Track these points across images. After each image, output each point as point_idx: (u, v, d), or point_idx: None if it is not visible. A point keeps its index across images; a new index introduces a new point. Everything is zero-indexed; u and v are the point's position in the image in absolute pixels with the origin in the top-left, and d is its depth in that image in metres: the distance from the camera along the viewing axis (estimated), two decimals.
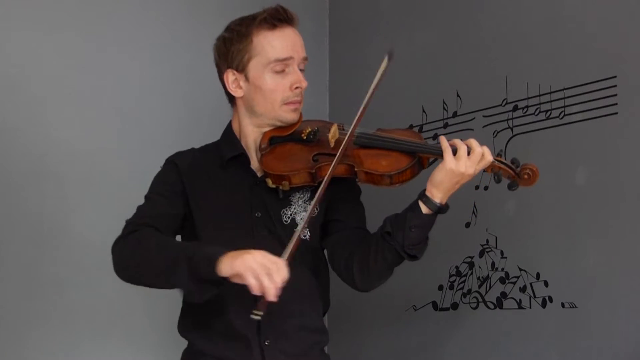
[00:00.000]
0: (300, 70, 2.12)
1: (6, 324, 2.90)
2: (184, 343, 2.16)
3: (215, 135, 2.24)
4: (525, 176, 2.01)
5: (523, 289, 2.98)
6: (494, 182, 2.04)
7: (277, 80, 2.08)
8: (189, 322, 2.12)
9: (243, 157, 2.14)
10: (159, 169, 2.19)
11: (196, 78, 3.33)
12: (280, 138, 2.13)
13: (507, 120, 3.09)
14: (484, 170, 2.01)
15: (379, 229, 2.04)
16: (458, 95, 3.29)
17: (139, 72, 3.28)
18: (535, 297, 2.94)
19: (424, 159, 2.05)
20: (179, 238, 2.17)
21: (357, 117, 2.02)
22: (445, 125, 3.32)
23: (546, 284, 2.92)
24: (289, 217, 2.10)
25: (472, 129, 3.21)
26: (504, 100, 3.11)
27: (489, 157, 1.98)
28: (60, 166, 3.06)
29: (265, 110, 2.11)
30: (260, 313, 1.82)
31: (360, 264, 2.05)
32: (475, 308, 3.14)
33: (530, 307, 2.95)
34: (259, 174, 2.13)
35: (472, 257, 3.16)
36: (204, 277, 1.87)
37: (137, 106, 3.26)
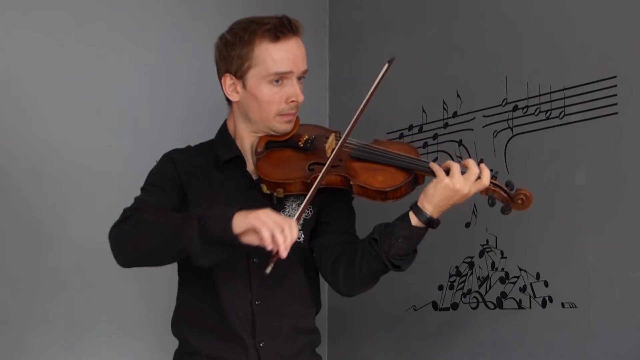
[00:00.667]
0: (300, 79, 2.11)
1: (6, 324, 2.90)
2: None
3: (214, 135, 2.24)
4: (519, 201, 2.00)
5: (523, 289, 2.98)
6: (488, 205, 2.04)
7: (274, 91, 2.07)
8: (183, 322, 2.12)
9: (239, 160, 2.13)
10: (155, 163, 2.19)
11: (195, 78, 3.33)
12: (276, 143, 2.12)
13: (507, 120, 3.09)
14: (480, 193, 2.01)
15: (368, 235, 2.04)
16: (458, 95, 3.29)
17: (138, 72, 3.28)
18: (535, 297, 2.94)
19: (420, 176, 2.04)
20: None
21: (350, 126, 2.02)
22: (445, 125, 3.31)
23: (546, 284, 2.92)
24: None
25: (472, 129, 3.21)
26: (504, 100, 3.11)
27: (486, 181, 1.97)
28: (60, 166, 3.06)
29: (260, 119, 2.10)
30: (271, 265, 1.80)
31: (346, 269, 2.05)
32: (475, 308, 3.14)
33: (530, 307, 2.95)
34: (254, 177, 2.13)
35: (472, 257, 3.16)
36: (216, 235, 1.84)
37: (136, 106, 3.26)
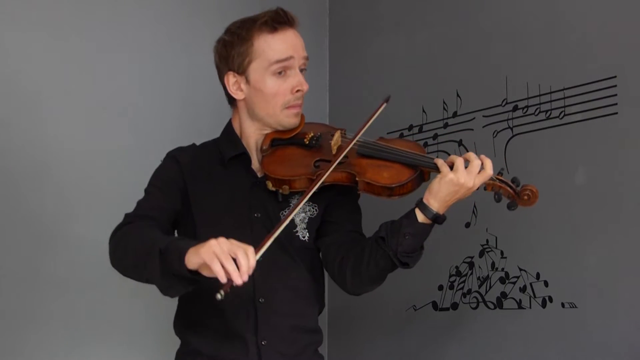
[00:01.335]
0: (302, 70, 2.12)
1: (6, 325, 2.90)
2: None
3: (215, 135, 2.24)
4: (525, 197, 2.02)
5: (523, 289, 2.98)
6: (494, 201, 2.05)
7: (279, 83, 2.08)
8: (185, 322, 2.13)
9: (244, 157, 2.14)
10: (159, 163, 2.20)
11: (196, 78, 3.33)
12: (282, 140, 2.13)
13: (507, 120, 3.09)
14: (485, 188, 2.02)
15: (374, 233, 2.04)
16: (458, 95, 3.29)
17: (139, 72, 3.28)
18: (535, 297, 2.94)
19: (426, 172, 2.05)
20: (176, 233, 2.17)
21: (360, 128, 2.03)
22: (445, 125, 3.32)
23: (546, 284, 2.92)
24: None
25: (472, 129, 3.22)
26: (504, 100, 3.11)
27: (490, 171, 1.98)
28: (60, 166, 3.06)
29: (267, 114, 2.11)
30: (222, 293, 1.73)
31: (353, 268, 2.06)
32: (475, 308, 3.14)
33: (530, 307, 2.95)
34: (259, 175, 2.13)
35: (472, 257, 3.16)
36: (174, 270, 1.83)
37: (136, 106, 3.26)
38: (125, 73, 3.25)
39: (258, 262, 2.05)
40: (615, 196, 2.76)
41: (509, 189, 2.02)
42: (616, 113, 2.77)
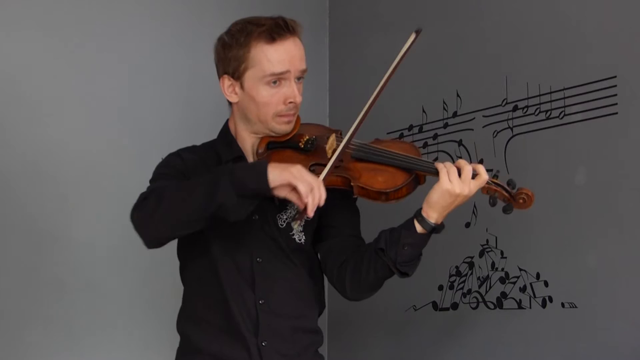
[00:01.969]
0: (299, 79, 2.10)
1: (6, 325, 2.90)
2: None
3: (214, 135, 2.24)
4: (521, 200, 2.01)
5: (523, 289, 2.98)
6: (489, 205, 2.04)
7: (272, 92, 2.06)
8: (186, 319, 2.13)
9: (241, 160, 2.13)
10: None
11: (196, 78, 3.33)
12: (277, 144, 2.12)
13: (507, 120, 3.09)
14: (481, 191, 2.02)
15: (374, 242, 2.04)
16: (458, 95, 3.29)
17: (139, 72, 3.28)
18: (535, 297, 2.94)
19: (421, 176, 2.04)
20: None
21: (352, 129, 2.01)
22: (445, 125, 3.31)
23: (546, 284, 2.92)
24: (284, 222, 2.10)
25: (472, 129, 3.21)
26: (504, 100, 3.11)
27: (484, 176, 1.98)
28: (60, 166, 3.06)
29: (258, 120, 2.10)
30: (299, 222, 1.86)
31: (352, 275, 2.06)
32: (475, 308, 3.14)
33: (530, 307, 2.95)
34: None
35: (472, 257, 3.16)
36: (250, 187, 1.85)
37: (136, 106, 3.26)
38: (126, 73, 3.24)
39: (258, 262, 2.06)
40: (615, 196, 2.76)
41: (504, 192, 2.01)
42: (616, 113, 2.77)
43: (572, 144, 2.89)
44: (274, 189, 1.85)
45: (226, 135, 2.18)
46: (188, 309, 2.13)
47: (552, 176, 2.90)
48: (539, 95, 2.99)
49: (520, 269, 3.00)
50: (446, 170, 1.97)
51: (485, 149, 3.14)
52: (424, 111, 3.41)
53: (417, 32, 2.09)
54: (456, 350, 3.18)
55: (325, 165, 2.02)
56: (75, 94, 3.12)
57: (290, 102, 2.08)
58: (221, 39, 2.12)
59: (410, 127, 3.43)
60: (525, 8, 3.09)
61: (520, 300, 2.99)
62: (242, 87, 2.09)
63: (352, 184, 2.02)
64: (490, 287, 3.09)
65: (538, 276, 2.94)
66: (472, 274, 3.16)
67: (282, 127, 2.11)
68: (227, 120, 2.21)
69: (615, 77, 2.77)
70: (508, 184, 2.02)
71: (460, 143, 3.25)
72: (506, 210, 2.02)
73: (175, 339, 2.15)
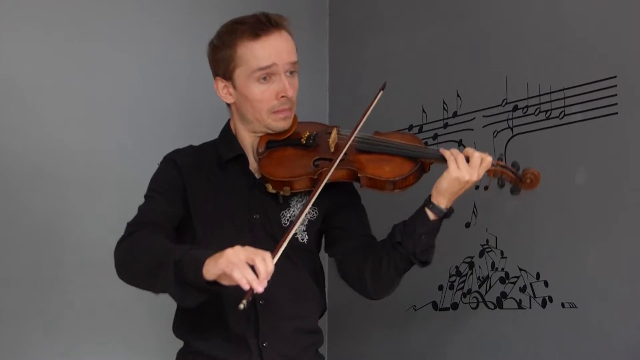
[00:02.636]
0: (291, 73, 2.09)
1: (7, 325, 2.90)
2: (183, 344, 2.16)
3: (215, 135, 2.24)
4: (528, 180, 2.03)
5: (523, 289, 2.98)
6: (498, 187, 2.06)
7: (262, 89, 2.07)
8: (185, 324, 2.12)
9: (242, 159, 2.14)
10: (157, 166, 2.19)
11: (196, 78, 3.31)
12: (277, 142, 2.12)
13: (507, 120, 3.09)
14: (487, 175, 2.03)
15: (388, 238, 2.05)
16: (458, 95, 3.29)
17: (139, 72, 3.28)
18: (535, 297, 2.94)
19: (426, 164, 2.06)
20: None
21: (358, 123, 2.02)
22: (445, 125, 3.32)
23: (546, 284, 2.92)
24: (287, 220, 2.10)
25: (472, 129, 3.22)
26: (504, 100, 3.11)
27: (488, 158, 2.01)
28: (60, 167, 3.06)
29: (255, 118, 2.11)
30: (245, 302, 1.73)
31: (372, 274, 2.08)
32: (475, 308, 3.14)
33: (530, 307, 2.95)
34: (257, 176, 2.13)
35: (472, 257, 3.16)
36: (190, 281, 1.82)
37: (136, 106, 3.26)
38: (126, 73, 3.25)
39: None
40: (615, 196, 2.76)
41: (510, 173, 2.04)
42: (616, 113, 2.77)
43: (572, 144, 2.89)
44: (215, 280, 1.79)
45: (227, 135, 2.18)
46: (185, 313, 2.13)
47: (552, 176, 2.90)
48: (539, 95, 3.00)
49: (520, 269, 3.00)
50: (454, 157, 1.99)
51: (485, 149, 3.08)
52: (424, 111, 3.41)
53: (383, 88, 2.13)
54: (456, 350, 3.18)
55: (329, 159, 2.03)
56: (76, 93, 3.12)
57: (283, 97, 2.08)
58: (211, 42, 2.15)
59: (410, 127, 3.43)
60: (525, 8, 3.09)
61: (520, 300, 2.99)
62: (234, 86, 2.10)
63: (359, 175, 2.03)
64: (490, 287, 3.09)
65: (538, 276, 2.94)
66: (472, 274, 3.16)
67: (279, 123, 2.11)
68: (229, 120, 2.21)
69: (615, 77, 2.77)
70: (513, 165, 2.05)
71: (460, 143, 3.25)
72: (513, 191, 2.05)
73: (175, 339, 2.15)
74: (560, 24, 2.97)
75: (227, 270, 1.74)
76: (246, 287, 1.73)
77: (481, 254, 3.13)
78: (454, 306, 3.20)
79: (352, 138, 2.04)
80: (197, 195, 2.11)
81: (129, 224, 2.06)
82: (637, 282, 2.68)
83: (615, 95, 2.77)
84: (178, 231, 2.14)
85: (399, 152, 2.05)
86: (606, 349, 2.73)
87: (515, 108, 3.07)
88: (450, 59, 3.33)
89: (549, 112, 2.96)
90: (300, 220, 1.93)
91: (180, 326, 2.13)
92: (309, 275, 2.13)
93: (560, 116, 2.93)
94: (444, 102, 3.33)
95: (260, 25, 2.07)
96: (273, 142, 2.12)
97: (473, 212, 3.14)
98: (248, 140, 2.15)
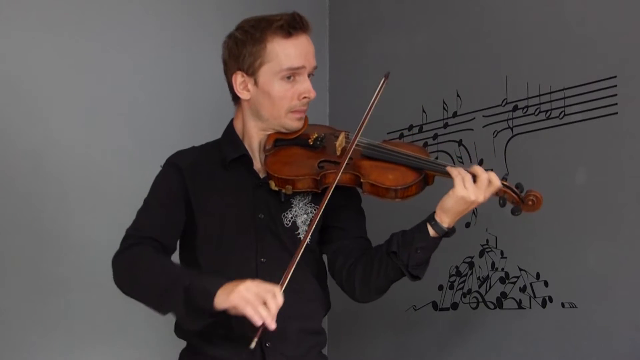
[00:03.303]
0: (309, 76, 2.11)
1: (7, 325, 2.90)
2: (184, 343, 2.16)
3: (215, 135, 2.23)
4: (530, 202, 2.02)
5: (523, 289, 2.98)
6: (499, 206, 2.05)
7: (286, 88, 2.08)
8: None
9: (246, 158, 2.13)
10: (160, 169, 2.18)
11: (196, 78, 3.33)
12: (285, 141, 2.13)
13: (507, 120, 3.09)
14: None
15: (385, 245, 2.05)
16: (458, 95, 3.29)
17: (139, 72, 3.28)
18: (535, 297, 2.94)
19: (430, 176, 2.06)
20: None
21: (360, 125, 2.03)
22: (445, 125, 3.32)
23: (546, 284, 2.92)
24: (289, 220, 2.10)
25: (472, 129, 3.22)
26: (504, 100, 3.11)
27: (497, 183, 1.99)
28: (61, 167, 3.06)
29: (271, 116, 2.11)
30: (256, 341, 1.81)
31: (362, 277, 2.08)
32: (475, 308, 3.14)
33: (530, 307, 2.95)
34: (261, 175, 2.13)
35: (472, 257, 3.16)
36: (199, 307, 1.88)
37: (137, 106, 3.26)
38: (126, 73, 3.25)
39: (262, 263, 2.06)
40: (615, 196, 2.76)
41: (513, 194, 2.03)
42: (616, 113, 2.77)
43: (572, 144, 2.89)
44: (224, 310, 1.85)
45: (231, 135, 2.18)
46: None
47: (552, 176, 2.90)
48: (539, 95, 3.00)
49: (520, 269, 3.00)
50: (461, 177, 1.97)
51: (485, 149, 3.14)
52: (424, 111, 3.41)
53: (386, 77, 2.13)
54: (456, 350, 3.18)
55: (333, 162, 2.03)
56: (77, 93, 3.12)
57: (304, 98, 2.09)
58: (232, 35, 2.12)
59: (410, 127, 3.43)
60: (525, 8, 3.09)
61: (520, 300, 2.99)
62: (256, 82, 2.09)
63: (362, 180, 2.03)
64: (490, 287, 3.09)
65: (538, 276, 2.94)
66: (472, 274, 3.16)
67: (294, 123, 2.12)
68: (232, 120, 2.20)
69: (615, 77, 2.77)
70: (517, 187, 2.03)
71: (460, 143, 3.25)
72: (514, 212, 2.04)
73: (176, 339, 2.15)
74: (560, 24, 2.97)
75: (239, 306, 1.81)
76: (259, 323, 1.79)
77: (481, 254, 3.13)
78: (454, 306, 3.20)
79: (355, 140, 2.04)
80: (201, 196, 2.11)
81: (127, 234, 2.06)
82: (637, 282, 2.68)
83: (615, 95, 2.77)
84: (182, 233, 2.14)
85: (404, 162, 2.05)
86: (606, 349, 2.73)
87: (515, 108, 3.07)
88: (450, 59, 3.33)
89: (549, 112, 2.96)
90: (309, 235, 1.98)
91: (183, 329, 2.13)
92: (312, 275, 2.13)
93: (560, 116, 2.93)
94: (444, 102, 3.33)
95: (294, 23, 2.07)
96: (281, 141, 2.13)
97: (473, 212, 3.14)
98: (256, 138, 2.15)
